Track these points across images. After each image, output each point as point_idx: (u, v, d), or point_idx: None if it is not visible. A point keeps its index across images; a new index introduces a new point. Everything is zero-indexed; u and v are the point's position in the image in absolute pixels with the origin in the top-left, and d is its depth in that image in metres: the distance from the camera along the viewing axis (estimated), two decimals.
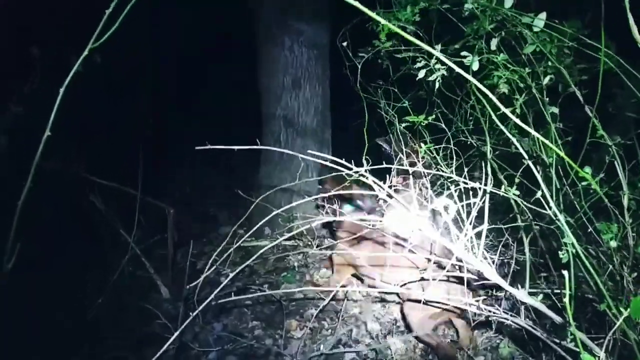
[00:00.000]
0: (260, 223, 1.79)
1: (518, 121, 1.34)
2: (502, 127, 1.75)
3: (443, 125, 2.12)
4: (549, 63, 1.78)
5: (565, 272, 1.05)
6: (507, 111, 1.34)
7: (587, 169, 1.59)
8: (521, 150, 1.81)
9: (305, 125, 3.46)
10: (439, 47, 1.83)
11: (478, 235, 1.80)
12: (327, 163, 1.91)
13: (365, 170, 1.71)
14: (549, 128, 1.86)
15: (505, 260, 2.36)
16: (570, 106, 1.98)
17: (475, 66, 1.67)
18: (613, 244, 1.63)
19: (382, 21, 1.21)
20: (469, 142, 2.14)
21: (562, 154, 1.34)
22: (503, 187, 1.90)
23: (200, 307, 1.37)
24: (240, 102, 4.61)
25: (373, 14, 1.16)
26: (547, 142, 1.20)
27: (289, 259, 3.38)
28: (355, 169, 1.87)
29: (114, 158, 3.29)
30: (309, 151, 1.99)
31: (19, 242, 1.31)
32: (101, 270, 3.07)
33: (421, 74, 1.85)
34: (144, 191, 3.03)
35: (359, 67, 2.09)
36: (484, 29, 1.69)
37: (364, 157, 1.92)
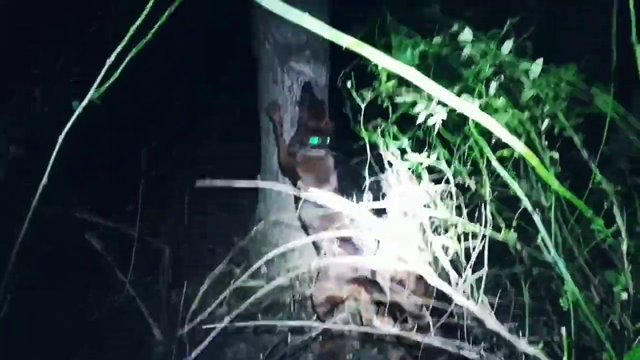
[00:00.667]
0: (256, 265, 1.77)
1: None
2: (500, 170, 1.77)
3: (442, 167, 2.12)
4: (547, 107, 1.81)
5: (563, 329, 1.03)
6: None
7: (599, 221, 1.59)
8: (519, 194, 1.82)
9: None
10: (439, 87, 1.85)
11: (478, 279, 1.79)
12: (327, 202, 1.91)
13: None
14: (547, 171, 1.87)
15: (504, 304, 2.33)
16: (568, 148, 2.00)
17: (476, 109, 1.69)
18: (624, 295, 1.61)
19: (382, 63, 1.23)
20: (467, 185, 2.15)
21: (566, 192, 1.34)
22: (502, 230, 1.89)
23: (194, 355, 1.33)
24: (240, 134, 4.62)
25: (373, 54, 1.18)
26: (555, 181, 1.20)
27: (284, 299, 3.32)
28: (355, 206, 1.87)
29: (113, 194, 3.29)
30: (310, 189, 2.00)
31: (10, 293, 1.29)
32: (94, 309, 3.01)
33: (421, 117, 1.87)
34: (142, 223, 3.01)
35: (362, 107, 2.11)
36: (483, 73, 1.73)
37: (364, 194, 1.93)
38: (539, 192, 1.95)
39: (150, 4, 1.07)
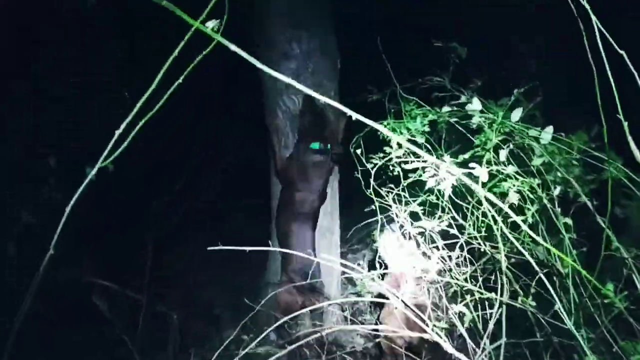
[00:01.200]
0: (266, 332, 1.72)
1: (531, 232, 1.34)
2: (513, 238, 1.74)
3: (455, 231, 2.10)
4: (558, 174, 1.82)
5: None
6: (519, 219, 1.34)
7: (610, 286, 1.55)
8: (532, 262, 1.79)
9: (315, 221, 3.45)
10: (448, 157, 1.89)
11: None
12: (339, 267, 1.89)
13: (378, 276, 1.68)
14: (562, 238, 1.85)
15: None
16: (582, 213, 1.99)
17: (485, 178, 1.71)
18: None
19: (392, 136, 1.26)
20: (482, 250, 2.12)
21: (579, 267, 1.32)
22: (520, 298, 1.84)
23: None
24: (250, 201, 4.65)
25: (382, 127, 1.21)
26: (567, 259, 1.18)
27: None
28: (366, 273, 1.84)
29: (122, 257, 3.28)
30: (321, 255, 1.98)
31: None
32: None
33: (430, 182, 1.88)
34: (149, 286, 2.98)
35: (371, 172, 2.13)
36: (491, 143, 1.75)
37: (376, 261, 1.90)
38: (555, 259, 1.91)
39: (159, 76, 1.12)
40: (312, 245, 3.04)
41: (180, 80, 1.15)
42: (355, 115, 1.20)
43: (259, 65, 1.16)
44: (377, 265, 2.13)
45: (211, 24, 1.11)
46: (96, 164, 1.55)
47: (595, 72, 1.34)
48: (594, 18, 1.25)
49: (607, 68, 1.29)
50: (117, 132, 1.18)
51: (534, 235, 1.33)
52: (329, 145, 3.11)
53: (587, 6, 1.25)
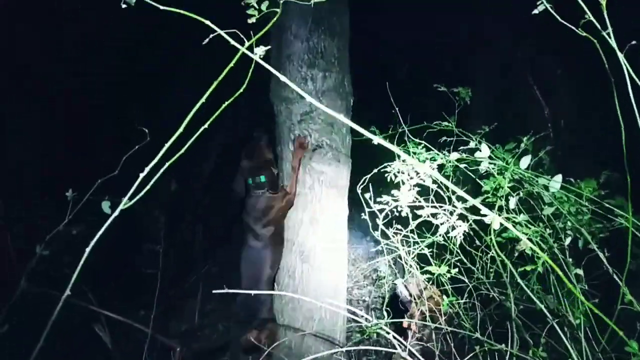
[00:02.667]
0: None
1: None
2: (524, 285, 1.72)
3: (464, 278, 2.08)
4: (568, 223, 1.81)
5: None
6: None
7: (634, 344, 1.51)
8: (545, 310, 1.76)
9: (321, 262, 3.43)
10: (460, 204, 1.88)
11: None
12: (344, 312, 1.86)
13: (386, 324, 1.66)
14: (573, 288, 1.82)
15: None
16: (593, 262, 1.96)
17: (496, 226, 1.70)
18: None
19: (419, 166, 1.26)
20: (490, 295, 2.09)
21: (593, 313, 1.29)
22: (530, 350, 1.80)
23: None
24: None
25: (408, 157, 1.22)
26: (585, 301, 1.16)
27: None
28: (373, 321, 1.81)
29: (126, 289, 3.27)
30: (326, 299, 1.96)
31: None
32: None
33: (442, 229, 1.88)
34: (155, 321, 2.96)
35: (379, 215, 2.13)
36: (502, 190, 1.75)
37: (384, 308, 1.88)
38: (567, 309, 1.88)
39: (187, 119, 1.15)
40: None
41: (206, 126, 1.19)
42: (379, 141, 1.21)
43: (292, 85, 1.19)
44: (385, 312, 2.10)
45: (259, 51, 1.14)
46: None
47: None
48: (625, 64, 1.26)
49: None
50: (142, 175, 1.20)
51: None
52: (262, 177, 3.20)
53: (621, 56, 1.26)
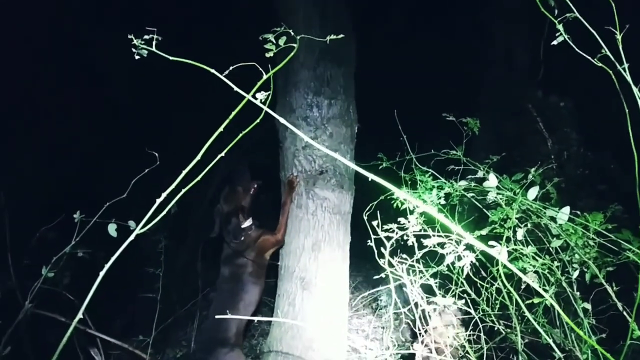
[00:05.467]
0: None
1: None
2: (531, 318, 1.70)
3: (470, 310, 2.05)
4: (576, 256, 1.80)
5: None
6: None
7: None
8: (552, 344, 1.73)
9: (322, 289, 3.40)
10: (468, 235, 1.87)
11: None
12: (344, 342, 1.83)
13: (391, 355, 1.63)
14: (580, 322, 1.80)
15: None
16: (600, 296, 1.94)
17: (505, 257, 1.70)
18: None
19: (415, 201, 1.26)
20: (496, 328, 2.06)
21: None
22: None
23: None
24: None
25: (408, 195, 1.22)
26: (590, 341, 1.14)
27: None
28: (379, 355, 1.78)
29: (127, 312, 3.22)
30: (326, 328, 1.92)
31: None
32: None
33: (449, 259, 1.87)
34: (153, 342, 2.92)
35: (385, 242, 2.12)
36: (511, 222, 1.75)
37: (389, 339, 1.85)
38: (573, 343, 1.85)
39: (203, 150, 1.17)
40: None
41: (222, 154, 1.20)
42: (375, 179, 1.22)
43: (292, 128, 1.20)
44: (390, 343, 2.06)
45: (261, 96, 1.17)
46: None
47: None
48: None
49: None
50: (158, 200, 1.21)
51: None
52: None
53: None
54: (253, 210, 3.43)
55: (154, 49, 1.32)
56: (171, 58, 1.33)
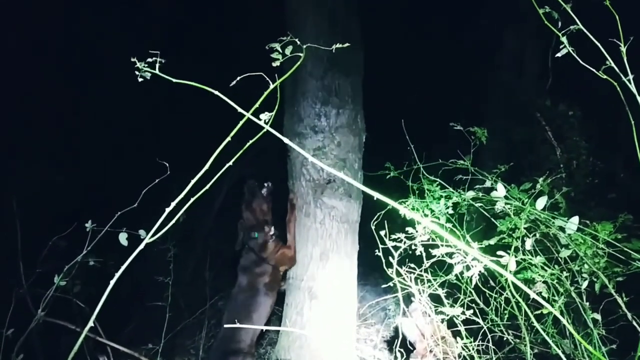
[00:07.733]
0: None
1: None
2: (540, 328, 1.69)
3: (479, 321, 2.04)
4: (585, 266, 1.79)
5: None
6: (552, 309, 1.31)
7: None
8: (562, 355, 1.71)
9: (330, 298, 3.39)
10: (475, 244, 1.88)
11: None
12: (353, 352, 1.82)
13: None
14: (590, 332, 1.79)
15: None
16: (610, 307, 1.92)
17: (513, 267, 1.69)
18: None
19: (419, 217, 1.27)
20: (504, 338, 2.04)
21: None
22: None
23: None
24: None
25: (407, 210, 1.23)
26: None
27: None
28: None
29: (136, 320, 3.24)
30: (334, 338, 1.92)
31: None
32: None
33: (457, 269, 1.86)
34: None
35: (393, 252, 2.12)
36: (519, 232, 1.75)
37: (396, 350, 1.84)
38: (583, 354, 1.84)
39: (210, 161, 1.18)
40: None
41: (230, 163, 1.22)
42: (378, 196, 1.23)
43: (295, 148, 1.22)
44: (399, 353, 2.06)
45: (264, 117, 1.19)
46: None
47: None
48: None
49: None
50: (167, 210, 1.22)
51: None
52: (256, 234, 3.35)
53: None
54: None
55: (157, 71, 1.33)
56: (174, 80, 1.35)
